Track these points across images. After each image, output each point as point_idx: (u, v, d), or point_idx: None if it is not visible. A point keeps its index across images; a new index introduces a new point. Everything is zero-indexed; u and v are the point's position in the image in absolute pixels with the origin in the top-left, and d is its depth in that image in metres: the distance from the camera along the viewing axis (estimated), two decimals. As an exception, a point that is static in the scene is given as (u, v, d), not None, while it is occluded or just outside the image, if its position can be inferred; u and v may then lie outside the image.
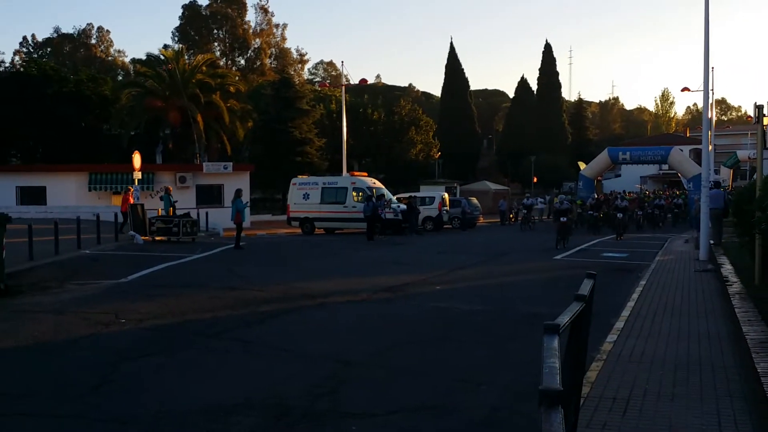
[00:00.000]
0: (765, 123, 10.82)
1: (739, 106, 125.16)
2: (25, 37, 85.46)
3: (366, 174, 34.36)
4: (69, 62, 71.71)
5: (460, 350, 7.95)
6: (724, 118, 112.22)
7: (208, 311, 10.15)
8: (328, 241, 25.46)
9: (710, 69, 17.49)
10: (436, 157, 60.52)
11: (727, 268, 12.86)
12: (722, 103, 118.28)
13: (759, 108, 10.93)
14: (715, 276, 13.35)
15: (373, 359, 7.41)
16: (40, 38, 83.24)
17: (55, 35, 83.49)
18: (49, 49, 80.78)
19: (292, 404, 5.74)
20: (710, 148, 18.79)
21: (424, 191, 39.94)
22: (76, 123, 43.84)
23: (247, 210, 26.55)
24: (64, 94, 43.33)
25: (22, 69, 50.96)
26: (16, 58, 76.06)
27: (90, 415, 5.56)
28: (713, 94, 35.96)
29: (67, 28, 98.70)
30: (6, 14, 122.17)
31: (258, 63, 77.51)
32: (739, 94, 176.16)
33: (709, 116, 20.06)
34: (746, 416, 5.25)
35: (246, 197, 24.93)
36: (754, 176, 13.64)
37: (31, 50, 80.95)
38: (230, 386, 6.32)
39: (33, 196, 34.03)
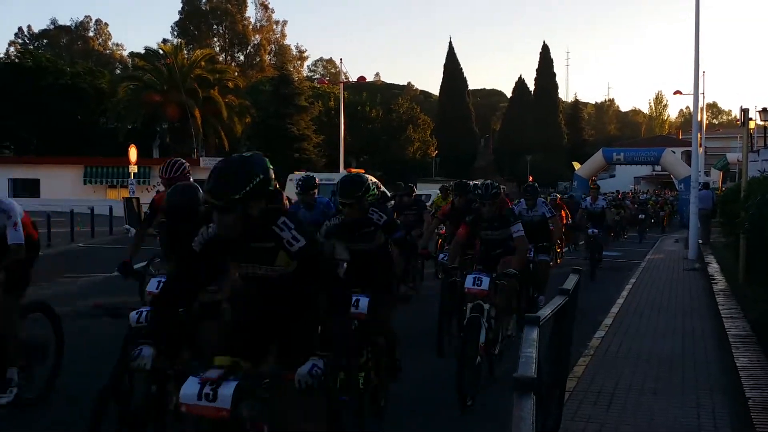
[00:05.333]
0: (751, 126, 10.97)
1: (730, 110, 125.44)
2: (20, 28, 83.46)
3: (363, 171, 34.30)
4: (65, 54, 71.41)
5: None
6: (715, 121, 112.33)
7: (202, 304, 10.17)
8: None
9: (701, 73, 17.68)
10: (434, 155, 60.56)
11: (714, 267, 13.05)
12: (713, 107, 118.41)
13: (745, 111, 11.07)
14: (702, 274, 13.53)
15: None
16: (36, 30, 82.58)
17: (52, 27, 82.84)
18: (45, 41, 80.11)
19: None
20: (700, 150, 18.97)
21: (421, 189, 40.00)
22: (71, 116, 43.55)
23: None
24: (60, 86, 42.84)
25: (16, 60, 49.90)
26: (11, 49, 75.23)
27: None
28: (704, 97, 36.15)
29: (65, 20, 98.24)
30: (1, 5, 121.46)
31: (257, 59, 77.48)
32: (730, 99, 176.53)
33: (700, 119, 20.24)
34: (724, 409, 5.41)
35: None
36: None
37: (27, 42, 80.00)
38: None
39: (26, 188, 33.88)
